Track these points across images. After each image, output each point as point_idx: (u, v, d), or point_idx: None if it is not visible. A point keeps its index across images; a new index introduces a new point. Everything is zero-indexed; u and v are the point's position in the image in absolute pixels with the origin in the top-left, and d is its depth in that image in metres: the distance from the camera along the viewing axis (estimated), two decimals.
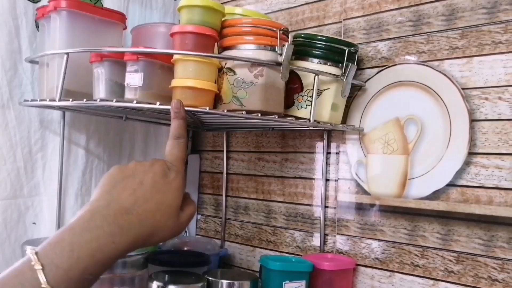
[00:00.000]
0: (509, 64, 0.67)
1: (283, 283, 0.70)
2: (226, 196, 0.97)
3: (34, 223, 0.81)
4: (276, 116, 0.70)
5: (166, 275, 0.71)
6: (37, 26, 0.81)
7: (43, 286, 0.38)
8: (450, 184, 0.70)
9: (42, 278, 0.38)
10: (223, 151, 0.98)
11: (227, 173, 0.97)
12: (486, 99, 0.69)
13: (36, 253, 0.40)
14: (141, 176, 0.47)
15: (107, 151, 0.90)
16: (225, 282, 0.71)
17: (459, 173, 0.70)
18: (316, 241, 0.84)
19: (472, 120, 0.69)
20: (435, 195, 0.72)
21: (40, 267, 0.39)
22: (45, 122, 0.82)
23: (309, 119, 0.72)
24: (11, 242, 0.78)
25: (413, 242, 0.73)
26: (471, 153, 0.69)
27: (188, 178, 1.02)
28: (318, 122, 0.74)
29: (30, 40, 0.80)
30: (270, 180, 0.91)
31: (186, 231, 1.00)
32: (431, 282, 0.71)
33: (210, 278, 0.71)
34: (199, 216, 1.02)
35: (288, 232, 0.88)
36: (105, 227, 0.42)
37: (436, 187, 0.72)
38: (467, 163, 0.69)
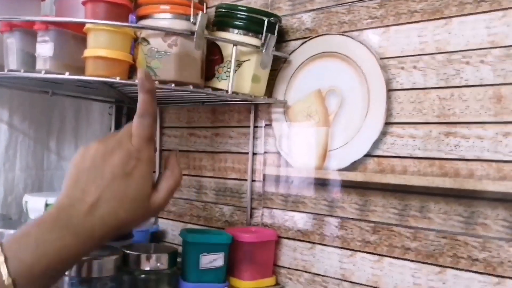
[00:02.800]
0: (423, 33, 0.66)
1: (200, 255, 0.70)
2: (159, 173, 0.95)
3: None
4: (191, 87, 0.69)
5: None
6: None
7: (4, 278, 0.37)
8: (368, 155, 0.70)
9: (4, 269, 0.37)
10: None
11: (161, 149, 0.96)
12: (402, 68, 0.68)
13: (1, 244, 0.39)
14: (102, 167, 0.44)
15: (34, 127, 0.88)
16: (142, 255, 0.70)
17: (376, 144, 0.70)
18: (243, 215, 0.84)
19: (389, 90, 0.69)
20: (353, 166, 0.72)
21: (3, 259, 0.38)
22: None
23: (227, 90, 0.71)
24: None
25: (333, 214, 0.73)
26: (387, 123, 0.69)
27: None
28: (237, 94, 0.73)
29: None
30: (201, 155, 0.90)
31: None
32: (349, 252, 0.71)
33: (126, 250, 0.71)
34: None
35: (217, 207, 0.88)
36: (70, 227, 0.41)
37: (354, 158, 0.71)
38: (383, 133, 0.69)
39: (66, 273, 0.66)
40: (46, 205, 0.77)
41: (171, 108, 0.96)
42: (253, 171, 0.82)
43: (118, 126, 0.99)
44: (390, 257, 0.67)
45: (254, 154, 0.83)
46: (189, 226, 0.90)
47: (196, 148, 0.92)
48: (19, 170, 0.85)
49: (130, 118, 1.02)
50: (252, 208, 0.82)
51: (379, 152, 0.69)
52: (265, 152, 0.81)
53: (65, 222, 0.42)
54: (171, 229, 0.93)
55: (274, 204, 0.79)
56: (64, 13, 0.82)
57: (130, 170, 0.44)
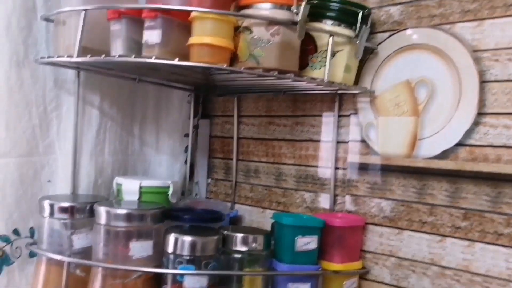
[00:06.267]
0: None
1: (296, 237, 0.73)
2: (237, 160, 0.99)
3: (49, 181, 0.82)
4: (293, 75, 0.71)
5: (183, 229, 0.73)
6: None
7: None
8: (459, 144, 0.72)
9: None
10: (233, 116, 0.99)
11: (237, 137, 0.99)
12: (497, 60, 0.70)
13: None
14: None
15: (121, 113, 0.91)
16: (239, 235, 0.73)
17: (468, 133, 0.72)
18: (325, 202, 0.86)
19: (482, 82, 0.71)
20: (444, 155, 0.74)
21: None
22: (60, 82, 0.82)
23: (323, 79, 0.73)
24: (27, 198, 0.79)
25: (421, 200, 0.76)
26: (480, 114, 0.71)
27: (198, 143, 1.04)
28: (332, 83, 0.75)
29: None
30: (281, 143, 0.93)
31: (196, 194, 1.02)
32: (439, 238, 0.74)
33: (225, 232, 0.73)
34: (209, 180, 1.04)
35: (298, 193, 0.90)
36: None
37: (445, 147, 0.74)
38: (476, 123, 0.71)
39: (171, 251, 0.69)
40: (140, 187, 0.80)
41: (249, 97, 0.99)
42: (337, 159, 0.85)
43: (196, 114, 1.01)
44: (482, 242, 0.70)
45: (337, 142, 0.85)
46: (268, 211, 0.93)
47: (275, 136, 0.94)
48: (108, 154, 0.88)
49: (205, 107, 1.05)
50: (335, 195, 0.85)
51: (471, 142, 0.72)
52: (350, 141, 0.84)
53: None
54: (249, 214, 0.96)
55: (359, 191, 0.82)
56: (168, 2, 0.85)
57: None
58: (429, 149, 0.75)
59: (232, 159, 0.99)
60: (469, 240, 0.71)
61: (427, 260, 0.74)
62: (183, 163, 1.01)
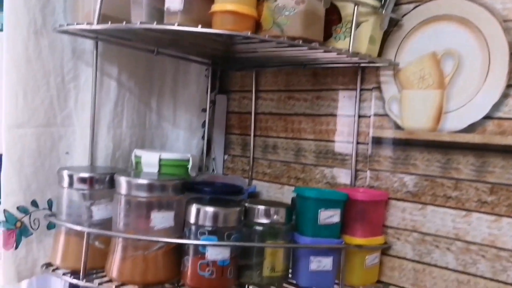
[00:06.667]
0: None
1: (319, 210, 0.72)
2: (254, 135, 0.97)
3: (67, 153, 0.81)
4: (317, 44, 0.70)
5: (205, 200, 0.72)
6: None
7: None
8: (487, 117, 0.71)
9: None
10: (251, 91, 0.98)
11: (255, 113, 0.97)
12: None
13: None
14: None
15: (138, 86, 0.89)
16: (261, 207, 0.72)
17: (496, 106, 0.70)
18: (346, 177, 0.85)
19: None
20: (470, 128, 0.72)
21: None
22: (78, 52, 0.81)
23: (348, 50, 0.72)
24: (45, 169, 0.78)
25: (446, 175, 0.74)
26: (509, 86, 0.69)
27: (215, 119, 1.03)
28: (357, 54, 0.73)
29: None
30: (300, 118, 0.92)
31: (213, 170, 1.01)
32: (464, 212, 0.72)
33: (247, 204, 0.72)
34: (225, 157, 1.03)
35: (318, 169, 0.89)
36: None
37: (472, 120, 0.72)
38: (505, 96, 0.69)
39: (193, 221, 0.68)
40: (160, 160, 0.79)
41: (268, 71, 0.97)
42: (358, 134, 0.83)
43: (213, 89, 1.00)
44: (509, 217, 0.68)
45: (359, 117, 0.84)
46: (286, 187, 0.92)
47: (294, 111, 0.93)
48: (125, 127, 0.87)
49: (222, 82, 1.03)
50: (356, 170, 0.84)
51: (499, 114, 0.70)
52: (372, 115, 0.82)
53: None
54: (266, 190, 0.95)
55: (382, 166, 0.81)
56: None
57: None
58: (455, 122, 0.74)
59: (249, 135, 0.98)
60: (495, 214, 0.70)
61: (451, 235, 0.73)
62: (200, 139, 1.00)
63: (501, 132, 0.70)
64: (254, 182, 0.97)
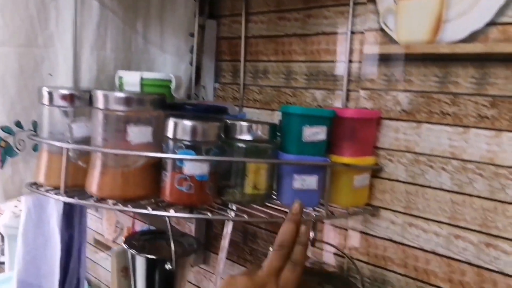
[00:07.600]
0: None
1: (303, 127, 0.68)
2: (245, 61, 0.93)
3: (50, 75, 0.80)
4: None
5: (185, 116, 0.69)
6: None
7: None
8: (491, 23, 0.64)
9: None
10: (241, 14, 0.92)
11: (245, 37, 0.93)
12: None
13: None
14: None
15: (122, 7, 0.85)
16: (243, 123, 0.68)
17: (502, 10, 0.63)
18: (338, 99, 0.80)
19: None
20: (471, 38, 0.66)
21: None
22: None
23: None
24: (28, 91, 0.77)
25: (443, 90, 0.69)
26: None
27: (205, 45, 0.98)
28: None
29: None
30: (291, 39, 0.86)
31: (203, 98, 0.98)
32: (461, 129, 0.67)
33: (228, 120, 0.69)
34: (216, 85, 0.99)
35: (309, 92, 0.84)
36: None
37: (474, 28, 0.65)
38: None
39: (171, 136, 0.66)
40: (141, 79, 0.76)
41: None
42: (351, 52, 0.78)
43: (201, 12, 0.95)
44: (510, 131, 0.63)
45: (352, 33, 0.78)
46: (277, 113, 0.88)
47: (285, 32, 0.87)
48: (110, 49, 0.84)
49: (212, 7, 0.98)
50: (348, 91, 0.79)
51: (504, 19, 0.63)
52: (366, 30, 0.76)
53: None
54: (257, 117, 0.91)
55: (375, 85, 0.75)
56: None
57: None
58: (455, 32, 0.67)
59: (240, 60, 0.93)
60: (495, 130, 0.64)
61: (447, 154, 0.68)
62: (188, 64, 0.96)
63: (506, 39, 0.63)
64: (245, 109, 0.93)
